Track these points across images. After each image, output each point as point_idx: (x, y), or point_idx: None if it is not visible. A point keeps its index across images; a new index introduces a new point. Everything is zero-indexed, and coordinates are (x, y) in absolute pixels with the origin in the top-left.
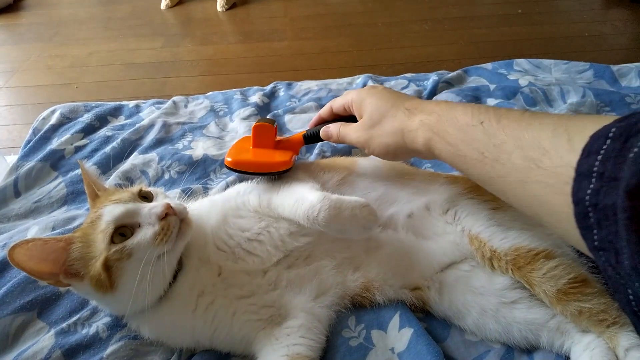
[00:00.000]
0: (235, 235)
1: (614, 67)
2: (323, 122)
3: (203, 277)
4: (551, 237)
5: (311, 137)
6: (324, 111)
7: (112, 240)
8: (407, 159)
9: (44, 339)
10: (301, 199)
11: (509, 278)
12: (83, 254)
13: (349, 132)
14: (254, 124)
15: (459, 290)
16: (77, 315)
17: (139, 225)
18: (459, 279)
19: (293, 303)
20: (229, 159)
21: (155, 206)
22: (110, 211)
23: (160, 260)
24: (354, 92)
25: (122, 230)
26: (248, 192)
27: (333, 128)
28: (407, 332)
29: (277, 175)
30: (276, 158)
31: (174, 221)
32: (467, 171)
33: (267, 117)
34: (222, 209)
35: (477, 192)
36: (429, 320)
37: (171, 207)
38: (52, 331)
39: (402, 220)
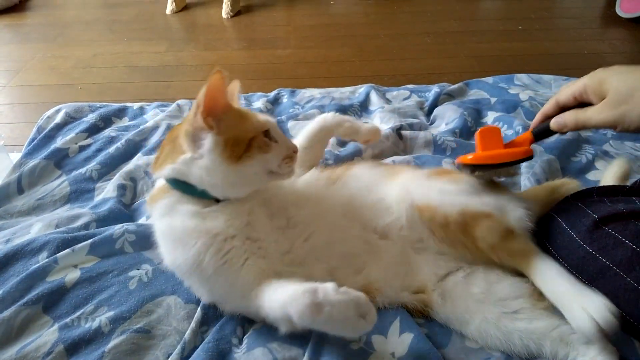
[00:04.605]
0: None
1: None
2: (547, 118)
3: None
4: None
5: (541, 133)
6: (548, 107)
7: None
8: None
9: (47, 333)
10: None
11: (508, 286)
12: (236, 121)
13: (592, 115)
14: (477, 131)
15: (461, 296)
16: (82, 310)
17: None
18: (458, 284)
19: None
20: (469, 157)
21: (294, 143)
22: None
23: (268, 175)
24: (584, 78)
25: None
26: None
27: (568, 116)
28: (408, 337)
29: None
30: (515, 150)
31: (295, 159)
32: None
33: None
34: None
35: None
36: (430, 326)
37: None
38: (56, 325)
39: (395, 232)
